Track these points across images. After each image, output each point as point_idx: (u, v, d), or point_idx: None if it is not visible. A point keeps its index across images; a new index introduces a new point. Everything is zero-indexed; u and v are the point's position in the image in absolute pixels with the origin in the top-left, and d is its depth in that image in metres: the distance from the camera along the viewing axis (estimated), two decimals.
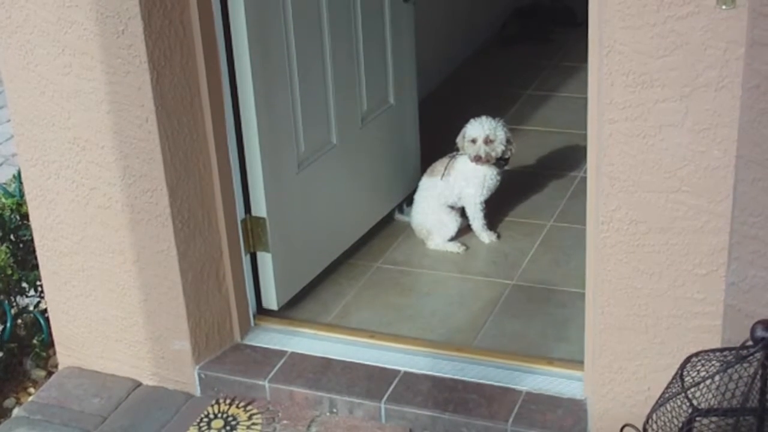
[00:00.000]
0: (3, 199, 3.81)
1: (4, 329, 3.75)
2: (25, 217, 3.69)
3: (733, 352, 2.34)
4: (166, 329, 3.48)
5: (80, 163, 3.32)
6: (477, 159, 4.14)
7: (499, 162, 4.21)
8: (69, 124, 3.27)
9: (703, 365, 2.39)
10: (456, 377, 3.38)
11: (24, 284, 3.83)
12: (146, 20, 3.05)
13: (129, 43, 3.08)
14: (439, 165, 4.26)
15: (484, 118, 4.18)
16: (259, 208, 3.61)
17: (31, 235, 3.61)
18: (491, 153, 4.14)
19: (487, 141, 4.13)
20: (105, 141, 3.25)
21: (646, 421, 2.43)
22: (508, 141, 4.19)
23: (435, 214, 4.21)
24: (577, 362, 3.25)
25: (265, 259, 3.69)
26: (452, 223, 4.21)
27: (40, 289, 3.83)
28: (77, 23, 3.11)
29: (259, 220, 3.62)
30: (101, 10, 3.06)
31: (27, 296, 3.90)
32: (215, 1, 3.29)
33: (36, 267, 3.67)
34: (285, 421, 3.37)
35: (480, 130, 4.14)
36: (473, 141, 4.14)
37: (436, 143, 4.45)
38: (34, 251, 3.62)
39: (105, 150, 3.26)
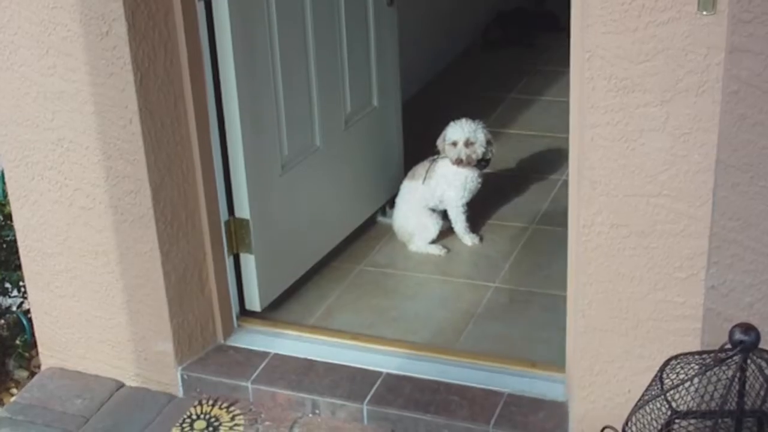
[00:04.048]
0: None
1: None
2: (9, 217, 3.69)
3: (712, 354, 2.36)
4: (149, 330, 3.48)
5: (64, 164, 3.32)
6: (458, 162, 4.16)
7: (480, 163, 4.23)
8: (53, 125, 3.27)
9: (682, 368, 2.41)
10: (438, 379, 3.40)
11: (7, 284, 3.83)
12: (130, 22, 3.06)
13: (113, 44, 3.08)
14: (420, 168, 4.27)
15: (464, 120, 4.20)
16: (243, 210, 3.62)
17: (14, 235, 3.60)
18: (472, 155, 4.16)
19: (468, 144, 4.15)
20: (89, 142, 3.25)
21: (626, 423, 2.45)
22: (488, 142, 4.21)
23: (416, 217, 4.22)
24: (559, 365, 3.27)
25: (248, 261, 3.69)
26: (433, 226, 4.22)
27: (23, 289, 3.82)
28: (61, 25, 3.11)
29: (243, 222, 3.63)
30: (85, 12, 3.06)
31: (10, 296, 3.89)
32: (199, 3, 3.30)
33: (19, 267, 3.67)
34: (267, 423, 3.38)
35: (460, 132, 4.16)
36: (453, 144, 4.16)
37: (419, 146, 4.46)
38: (17, 252, 3.62)
39: (88, 151, 3.26)
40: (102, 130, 3.22)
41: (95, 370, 3.62)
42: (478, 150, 4.18)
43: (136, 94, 3.14)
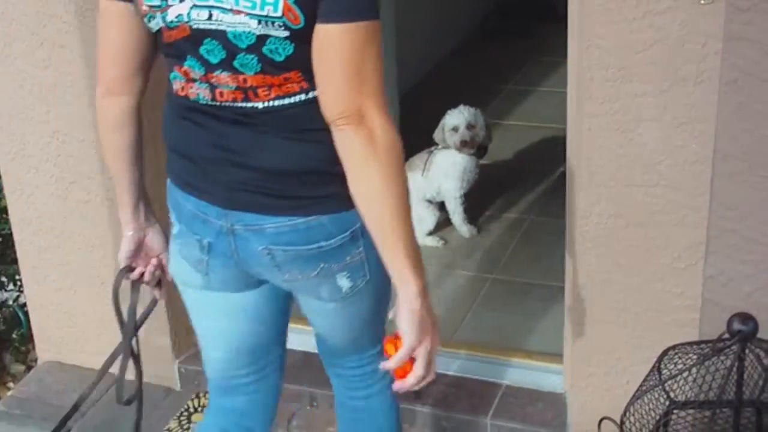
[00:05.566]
0: None
1: None
2: (4, 211, 3.68)
3: (710, 344, 2.36)
4: (147, 324, 3.47)
5: (59, 157, 3.30)
6: (463, 145, 4.13)
7: (479, 152, 4.23)
8: (48, 118, 3.26)
9: (680, 358, 2.41)
10: (436, 371, 3.38)
11: (3, 278, 3.82)
12: None
13: None
14: (417, 160, 4.26)
15: (461, 106, 4.20)
16: None
17: (10, 229, 3.59)
18: (475, 138, 4.15)
19: (469, 127, 4.14)
20: (84, 134, 3.24)
21: (624, 414, 2.44)
22: (487, 127, 4.21)
23: (413, 208, 4.19)
24: (557, 356, 3.26)
25: None
26: (430, 218, 4.21)
27: (19, 283, 3.81)
28: (56, 16, 3.09)
29: None
30: (80, 3, 3.05)
31: (6, 290, 3.89)
32: None
33: (15, 261, 3.66)
34: None
35: (460, 117, 4.15)
36: (455, 129, 4.15)
37: (417, 137, 4.44)
38: (13, 245, 3.61)
39: (84, 143, 3.25)
40: (97, 122, 3.20)
41: (92, 363, 3.61)
42: (480, 133, 4.17)
43: None
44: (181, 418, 3.39)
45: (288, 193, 2.02)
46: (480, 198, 4.41)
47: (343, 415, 2.58)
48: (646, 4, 2.50)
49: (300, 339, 3.61)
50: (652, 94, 2.58)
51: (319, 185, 2.01)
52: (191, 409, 3.43)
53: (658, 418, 2.40)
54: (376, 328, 2.36)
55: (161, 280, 2.38)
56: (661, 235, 2.73)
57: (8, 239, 3.72)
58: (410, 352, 1.96)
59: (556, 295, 3.53)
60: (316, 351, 3.52)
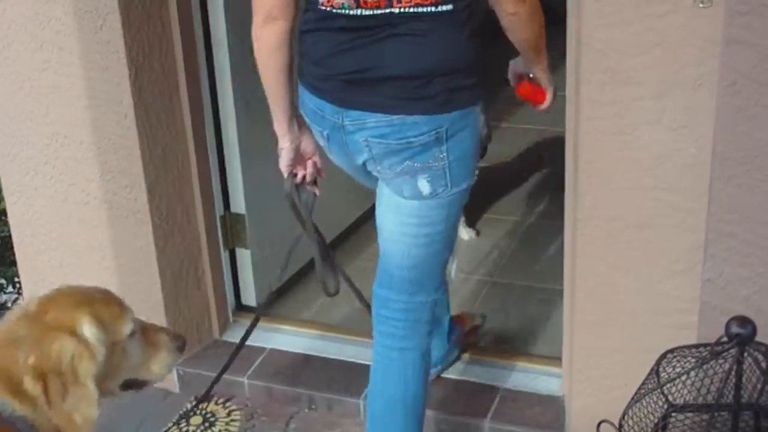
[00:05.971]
0: None
1: None
2: (3, 213, 3.68)
3: (708, 348, 2.36)
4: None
5: (58, 159, 3.30)
6: None
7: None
8: (47, 120, 3.26)
9: (678, 361, 2.41)
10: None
11: (2, 281, 3.82)
12: (124, 15, 3.05)
13: (107, 38, 3.07)
14: None
15: None
16: (238, 205, 3.61)
17: (8, 231, 3.59)
18: None
19: None
20: (83, 137, 3.24)
21: (622, 417, 2.44)
22: (487, 126, 4.20)
23: None
24: (556, 359, 3.26)
25: (243, 256, 3.68)
26: None
27: (18, 285, 3.81)
28: (55, 18, 3.09)
29: (238, 217, 3.62)
30: (79, 5, 3.05)
31: (5, 293, 3.89)
32: None
33: (14, 263, 3.66)
34: (264, 418, 3.37)
35: None
36: None
37: None
38: (12, 247, 3.61)
39: (83, 146, 3.25)
40: (97, 125, 3.21)
41: None
42: (482, 131, 4.16)
43: (131, 89, 3.13)
44: (180, 421, 3.39)
45: (396, 94, 2.39)
46: (479, 201, 4.41)
47: (375, 368, 2.79)
48: (644, 7, 2.50)
49: (299, 341, 3.62)
50: (650, 97, 2.58)
51: (422, 88, 2.39)
52: (190, 412, 3.42)
53: (656, 421, 2.40)
54: (438, 265, 2.68)
55: (317, 179, 2.71)
56: (659, 238, 2.73)
57: (7, 241, 3.72)
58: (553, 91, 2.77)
59: (556, 297, 3.54)
60: (315, 353, 3.54)
